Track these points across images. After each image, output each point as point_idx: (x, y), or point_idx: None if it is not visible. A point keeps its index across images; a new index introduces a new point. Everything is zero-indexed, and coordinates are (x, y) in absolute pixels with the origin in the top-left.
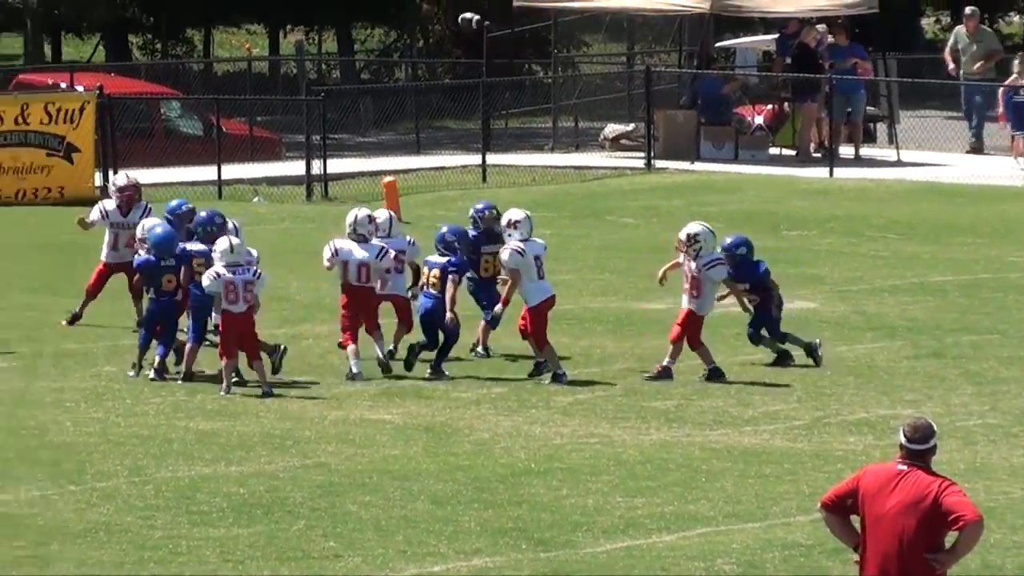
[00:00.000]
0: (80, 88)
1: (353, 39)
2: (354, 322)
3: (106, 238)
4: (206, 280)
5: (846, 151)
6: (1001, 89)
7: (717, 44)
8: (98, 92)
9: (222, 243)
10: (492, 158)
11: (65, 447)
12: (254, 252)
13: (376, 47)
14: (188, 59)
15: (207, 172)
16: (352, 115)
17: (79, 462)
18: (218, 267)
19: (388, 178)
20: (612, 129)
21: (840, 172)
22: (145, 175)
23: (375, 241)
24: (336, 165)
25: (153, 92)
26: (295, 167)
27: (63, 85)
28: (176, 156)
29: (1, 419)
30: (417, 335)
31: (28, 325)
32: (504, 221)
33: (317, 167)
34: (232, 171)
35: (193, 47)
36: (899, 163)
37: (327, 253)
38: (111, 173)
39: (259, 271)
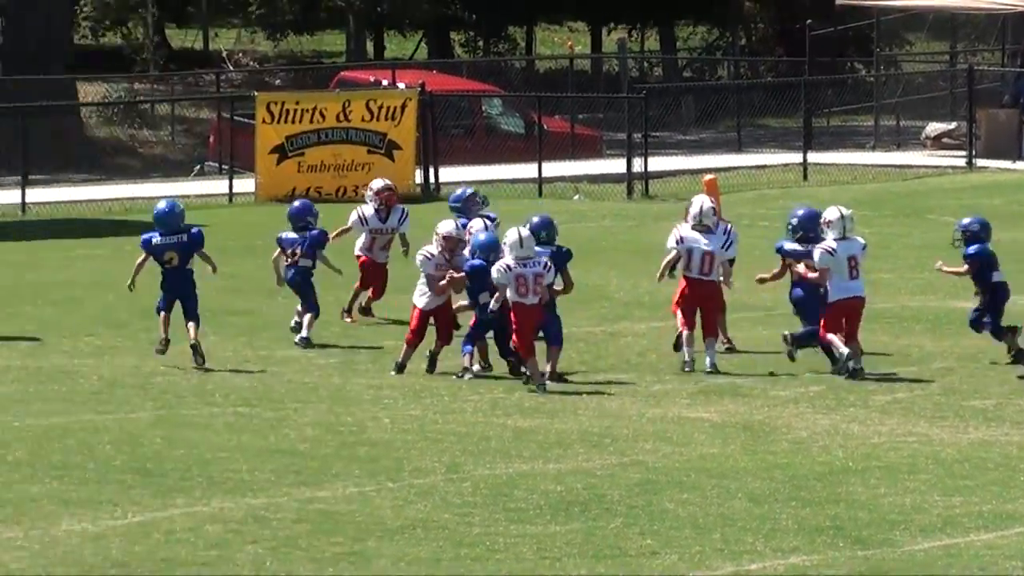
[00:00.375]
0: (402, 85)
1: (675, 37)
2: (692, 313)
3: (361, 241)
4: (495, 272)
5: None
6: None
7: None
8: (420, 89)
9: (511, 235)
10: (813, 156)
11: (383, 444)
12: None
13: (698, 45)
14: (510, 56)
15: (527, 170)
16: (673, 113)
17: (396, 459)
18: (508, 259)
19: (709, 175)
20: (934, 128)
21: None
22: (465, 173)
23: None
24: (657, 163)
25: (475, 89)
26: (616, 165)
27: (385, 82)
28: (496, 154)
29: (320, 416)
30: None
31: (345, 323)
32: (821, 220)
33: (638, 165)
34: (553, 169)
35: (515, 44)
36: None
37: (672, 240)
38: (431, 171)
39: (548, 263)
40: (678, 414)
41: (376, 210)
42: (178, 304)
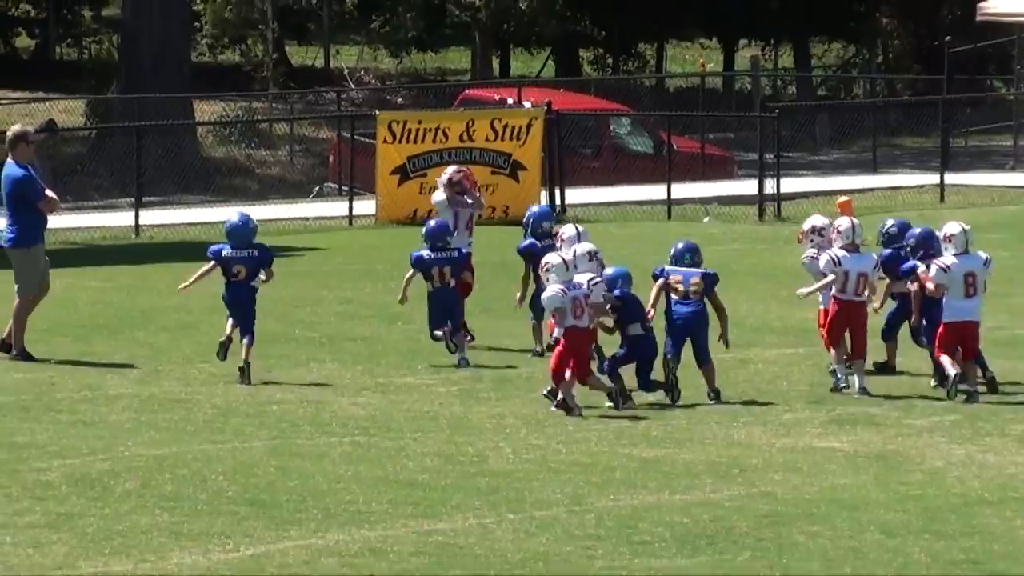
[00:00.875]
0: (528, 104)
1: (810, 54)
2: (841, 335)
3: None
4: (547, 295)
5: None
6: None
7: None
8: (546, 108)
9: (554, 259)
10: (950, 177)
11: (504, 474)
12: None
13: (833, 62)
14: (639, 74)
15: (656, 191)
16: (807, 132)
17: (518, 490)
18: (558, 283)
19: (843, 197)
20: None
21: None
22: (592, 194)
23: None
24: (789, 184)
25: (603, 108)
26: (747, 186)
27: (510, 101)
28: (624, 174)
29: (439, 445)
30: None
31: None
32: (940, 235)
33: (770, 186)
34: (682, 190)
35: (645, 62)
36: None
37: (827, 263)
38: (558, 192)
39: (598, 280)
40: (809, 444)
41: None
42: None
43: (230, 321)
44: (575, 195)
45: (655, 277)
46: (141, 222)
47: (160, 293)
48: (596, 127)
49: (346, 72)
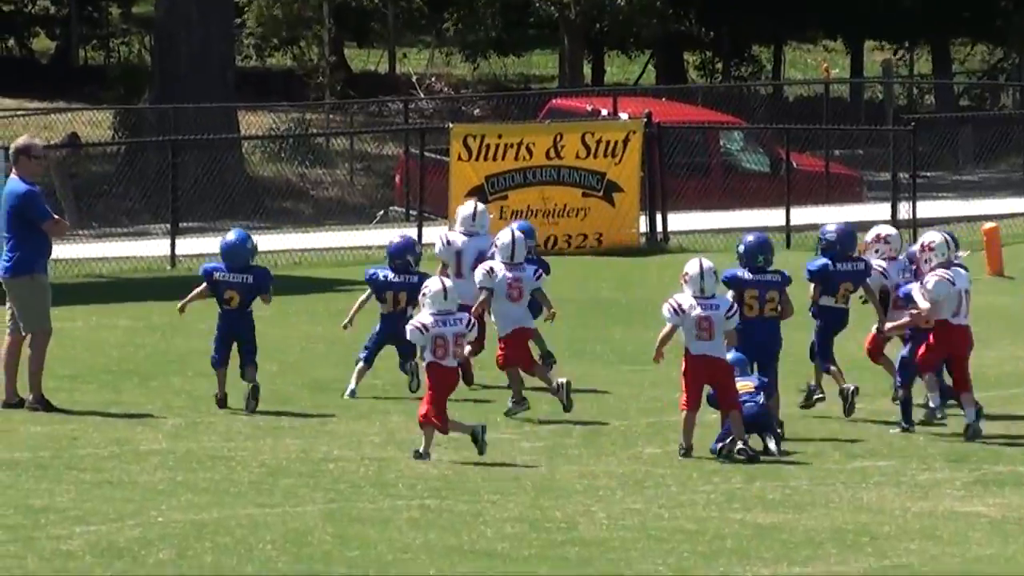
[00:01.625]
0: (624, 116)
1: (951, 58)
2: (939, 363)
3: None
4: (408, 328)
5: None
6: None
7: None
8: (646, 120)
9: (434, 284)
10: None
11: (597, 543)
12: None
13: (978, 67)
14: (754, 81)
15: (773, 216)
16: (948, 148)
17: (613, 560)
18: (425, 316)
19: (989, 224)
20: None
21: None
22: (699, 219)
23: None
24: (927, 208)
25: (711, 120)
26: (878, 210)
27: (604, 112)
28: (736, 197)
29: (522, 510)
30: None
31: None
32: (918, 246)
33: (904, 210)
34: (803, 215)
35: (760, 67)
36: None
37: (943, 286)
38: (659, 217)
39: (471, 321)
40: (950, 508)
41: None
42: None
43: (220, 372)
44: (679, 221)
45: (728, 283)
46: (177, 252)
47: (199, 334)
48: (703, 142)
49: (414, 79)
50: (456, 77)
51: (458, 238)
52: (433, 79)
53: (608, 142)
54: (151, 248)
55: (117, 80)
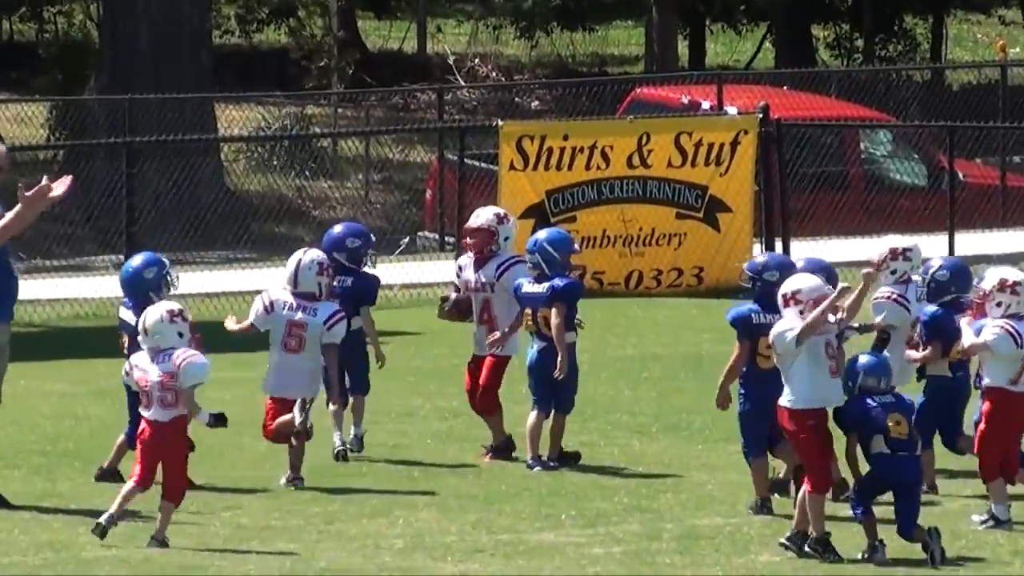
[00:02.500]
0: (732, 110)
1: None
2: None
3: None
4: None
5: None
6: None
7: None
8: (761, 116)
9: (150, 314)
10: None
11: None
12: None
13: None
14: (906, 64)
15: (932, 243)
16: None
17: None
18: (139, 356)
19: None
20: None
21: None
22: (834, 248)
23: None
24: None
25: (849, 116)
26: None
27: (705, 104)
28: (883, 217)
29: None
30: None
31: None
32: (989, 284)
33: None
34: (971, 242)
35: (914, 45)
36: None
37: (994, 338)
38: (780, 245)
39: (182, 361)
40: None
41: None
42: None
43: (121, 438)
44: (805, 249)
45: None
46: None
47: None
48: (839, 145)
49: (451, 60)
50: (507, 58)
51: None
52: (476, 61)
53: (711, 145)
54: (97, 287)
55: (53, 62)
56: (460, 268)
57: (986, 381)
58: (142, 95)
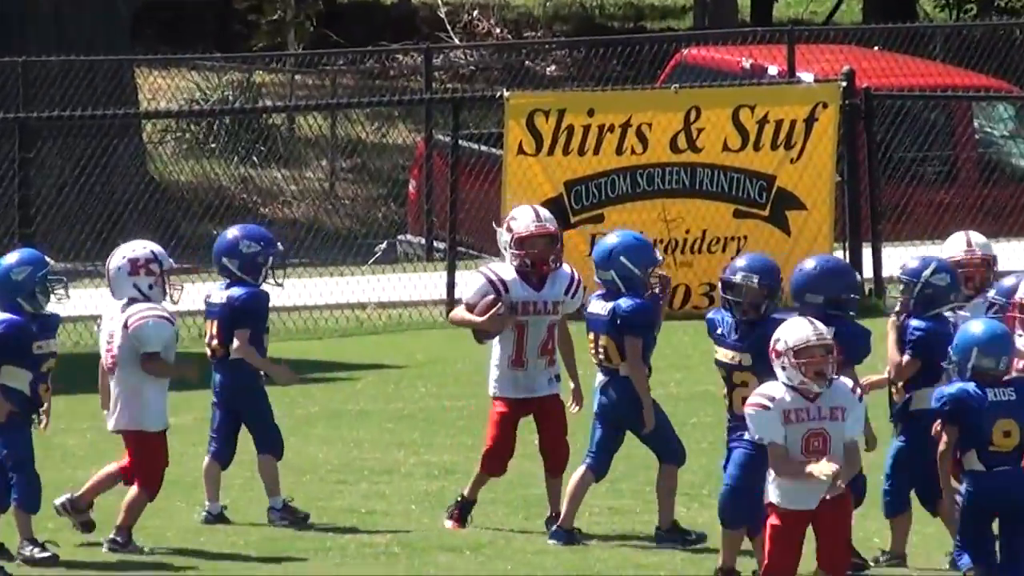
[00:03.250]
0: (807, 77)
1: None
2: None
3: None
4: None
5: None
6: None
7: None
8: (844, 84)
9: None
10: None
11: None
12: None
13: None
14: None
15: None
16: None
17: None
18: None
19: None
20: None
21: None
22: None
23: None
24: None
25: (958, 85)
26: None
27: (773, 69)
28: (1001, 218)
29: None
30: None
31: None
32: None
33: None
34: None
35: None
36: None
37: None
38: (871, 253)
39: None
40: None
41: (521, 270)
42: None
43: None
44: (901, 256)
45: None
46: None
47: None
48: (945, 123)
49: (443, 13)
50: (515, 10)
51: (509, 275)
52: (475, 13)
53: (779, 123)
54: None
55: None
56: (502, 283)
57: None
58: (40, 57)
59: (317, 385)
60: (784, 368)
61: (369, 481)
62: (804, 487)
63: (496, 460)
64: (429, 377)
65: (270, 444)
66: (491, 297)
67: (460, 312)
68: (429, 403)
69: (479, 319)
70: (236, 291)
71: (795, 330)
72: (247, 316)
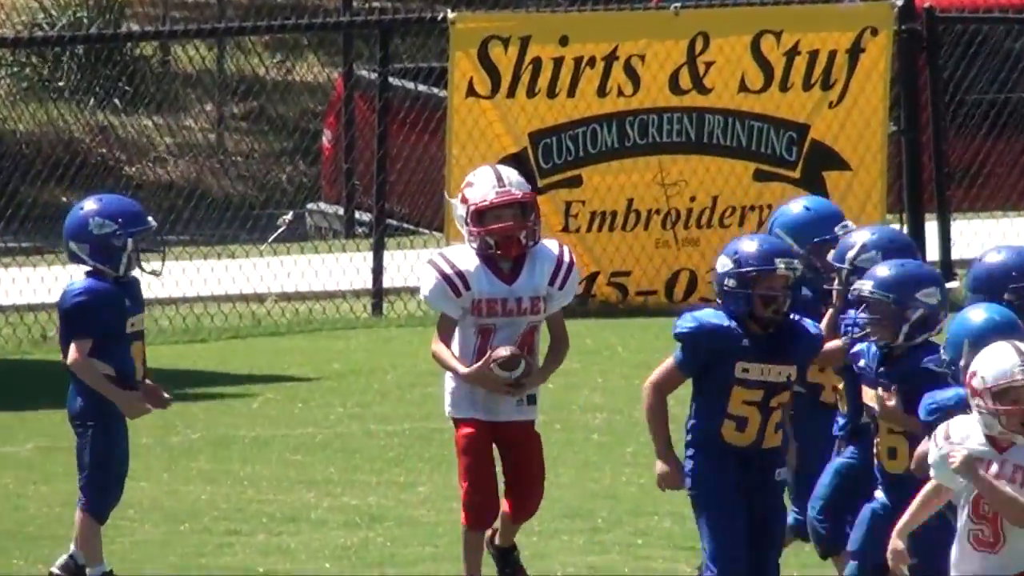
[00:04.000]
0: None
1: None
2: None
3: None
4: None
5: None
6: None
7: None
8: (899, 2)
9: None
10: None
11: None
12: None
13: None
14: None
15: None
16: None
17: None
18: None
19: None
20: None
21: None
22: (1015, 229)
23: None
24: None
25: None
26: None
27: None
28: None
29: None
30: None
31: None
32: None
33: None
34: None
35: None
36: None
37: None
38: (935, 228)
39: None
40: None
41: (483, 254)
42: None
43: None
44: (974, 230)
45: None
46: None
47: None
48: (1021, 50)
49: None
50: None
51: (470, 263)
52: None
53: (814, 54)
54: None
55: None
56: (460, 276)
57: None
58: None
59: (199, 404)
60: (981, 412)
61: (268, 531)
62: None
63: (479, 510)
64: (348, 393)
65: (91, 499)
66: (501, 352)
67: (439, 349)
68: (349, 427)
69: (465, 371)
70: (74, 285)
71: (997, 361)
72: (83, 320)
